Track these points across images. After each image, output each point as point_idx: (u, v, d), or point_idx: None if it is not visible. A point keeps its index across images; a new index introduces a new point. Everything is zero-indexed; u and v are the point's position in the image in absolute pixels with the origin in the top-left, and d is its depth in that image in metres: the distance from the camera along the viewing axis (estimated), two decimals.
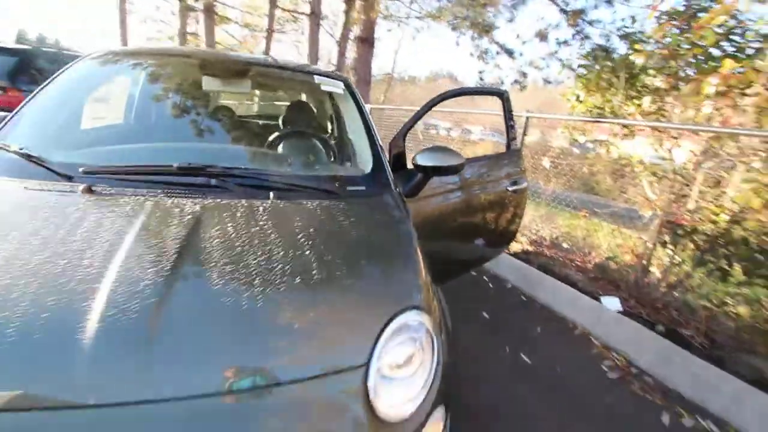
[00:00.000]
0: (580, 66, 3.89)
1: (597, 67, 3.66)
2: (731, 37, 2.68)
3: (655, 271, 3.29)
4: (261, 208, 1.18)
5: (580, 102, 4.04)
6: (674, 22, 2.78)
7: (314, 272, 0.98)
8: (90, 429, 0.68)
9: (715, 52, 2.80)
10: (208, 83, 1.79)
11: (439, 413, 0.97)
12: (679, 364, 2.25)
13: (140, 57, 1.84)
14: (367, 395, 0.84)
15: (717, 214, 2.62)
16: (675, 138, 2.97)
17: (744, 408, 1.94)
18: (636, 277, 3.24)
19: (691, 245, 2.96)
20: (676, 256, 3.08)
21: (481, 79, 8.35)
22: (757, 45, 2.63)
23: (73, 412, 0.68)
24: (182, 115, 1.72)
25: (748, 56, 2.58)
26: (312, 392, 0.81)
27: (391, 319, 0.94)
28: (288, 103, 2.46)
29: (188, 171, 1.25)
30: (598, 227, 5.01)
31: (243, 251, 0.99)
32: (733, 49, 2.69)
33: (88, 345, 0.72)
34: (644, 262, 3.22)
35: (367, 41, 7.43)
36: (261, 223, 1.11)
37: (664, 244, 3.14)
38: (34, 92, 1.53)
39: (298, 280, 0.95)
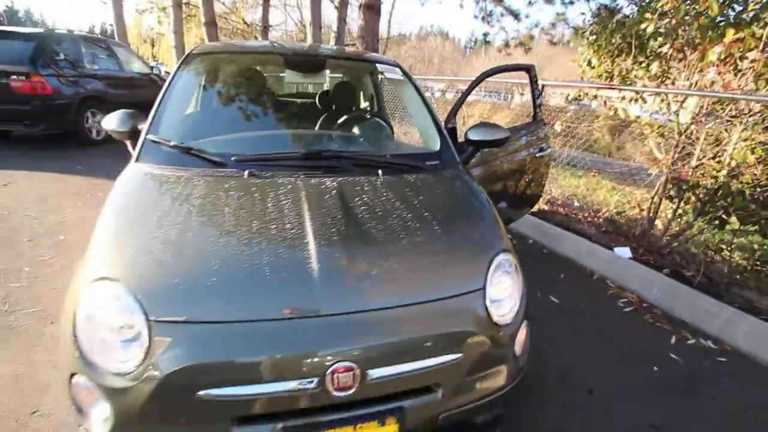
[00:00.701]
0: (591, 33, 4.07)
1: (607, 31, 3.87)
2: (733, 5, 2.93)
3: (659, 223, 3.69)
4: (377, 182, 1.53)
5: (592, 67, 4.28)
6: None
7: (435, 226, 1.35)
8: (324, 329, 1.06)
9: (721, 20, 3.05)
10: (292, 77, 2.09)
11: (525, 324, 1.36)
12: (682, 298, 2.68)
13: (234, 54, 2.12)
14: (486, 308, 1.22)
15: (718, 170, 2.98)
16: (681, 102, 3.27)
17: (736, 329, 2.39)
18: (643, 228, 3.65)
19: (693, 198, 3.34)
20: (680, 210, 3.47)
21: (487, 42, 8.44)
22: (754, 12, 2.89)
23: (314, 320, 1.06)
24: (285, 107, 2.03)
25: (748, 23, 2.85)
26: (455, 305, 1.19)
27: (492, 260, 1.31)
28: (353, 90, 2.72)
29: (314, 156, 1.59)
30: (606, 187, 5.41)
31: (380, 213, 1.35)
32: (734, 16, 2.95)
33: (315, 277, 1.10)
34: (651, 215, 3.61)
35: (372, 8, 7.42)
36: (382, 192, 1.47)
37: (669, 198, 3.53)
38: (163, 89, 1.83)
39: (424, 231, 1.32)
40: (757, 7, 2.82)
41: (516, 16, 7.69)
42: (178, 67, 1.93)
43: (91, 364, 1.02)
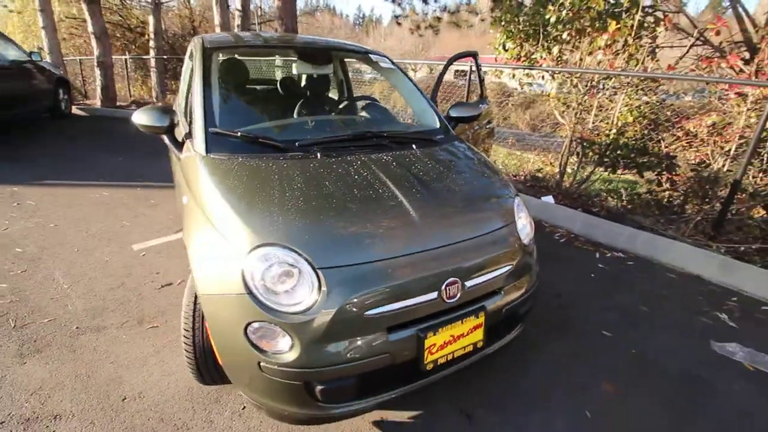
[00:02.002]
0: (503, 20, 4.82)
1: (517, 20, 4.65)
2: (612, 1, 3.88)
3: (569, 175, 4.69)
4: (417, 153, 1.93)
5: (506, 50, 5.07)
6: None
7: (472, 182, 1.82)
8: (436, 258, 1.46)
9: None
10: (303, 68, 2.32)
11: (535, 247, 1.93)
12: (596, 227, 3.60)
13: (252, 47, 2.27)
14: (518, 234, 1.75)
15: (609, 130, 3.96)
16: (578, 78, 4.19)
17: (635, 242, 3.35)
18: (556, 180, 4.61)
19: (591, 153, 4.35)
20: (582, 163, 4.47)
21: (398, 23, 8.94)
22: (626, 7, 3.85)
23: (426, 252, 1.45)
24: (304, 95, 2.25)
25: (623, 16, 3.80)
26: (502, 233, 1.67)
27: (514, 202, 1.83)
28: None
29: (359, 137, 1.92)
30: (521, 153, 6.41)
31: (433, 175, 1.77)
32: (612, 11, 3.89)
33: (418, 224, 1.49)
34: (561, 169, 4.57)
35: None
36: (424, 160, 1.88)
37: (574, 155, 4.51)
38: (195, 83, 1.94)
39: (467, 186, 1.79)
40: (628, 4, 3.76)
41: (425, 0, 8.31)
42: (204, 61, 2.04)
43: (273, 311, 1.29)
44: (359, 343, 1.34)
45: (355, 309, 1.31)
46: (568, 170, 4.60)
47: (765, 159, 3.35)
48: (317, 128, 2.08)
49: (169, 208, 3.81)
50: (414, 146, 1.99)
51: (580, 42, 4.17)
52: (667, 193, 3.85)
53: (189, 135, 1.94)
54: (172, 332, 2.16)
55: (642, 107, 3.82)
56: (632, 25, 3.72)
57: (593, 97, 4.21)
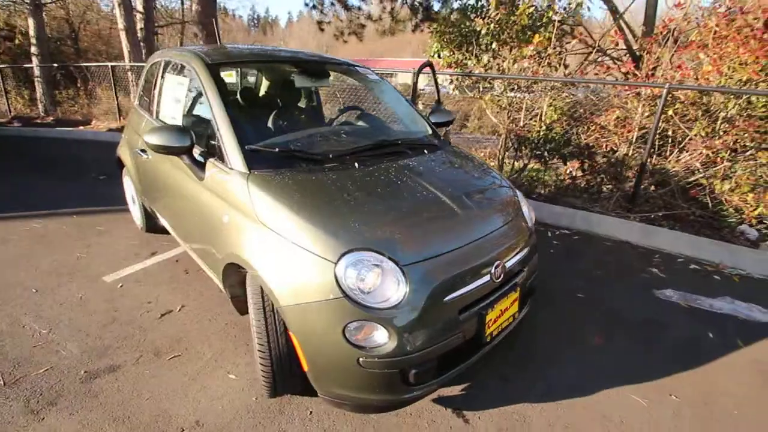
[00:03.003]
0: (438, 31, 5.27)
1: (450, 30, 5.13)
2: (535, 18, 4.52)
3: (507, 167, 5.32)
4: (431, 157, 2.16)
5: (440, 57, 5.53)
6: (503, 7, 4.43)
7: (484, 179, 2.11)
8: (484, 246, 1.70)
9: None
10: (301, 81, 2.38)
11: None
12: (542, 210, 4.20)
13: (257, 62, 2.27)
14: (526, 219, 2.08)
15: (540, 128, 4.61)
16: (507, 83, 4.79)
17: (574, 219, 4.00)
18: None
19: (525, 149, 5.00)
20: (518, 156, 5.11)
21: (321, 29, 9.01)
22: (543, 23, 4.53)
23: (477, 242, 1.69)
24: (308, 108, 2.32)
25: (542, 30, 4.47)
26: (518, 220, 1.97)
27: (516, 193, 2.17)
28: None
29: (380, 146, 2.08)
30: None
31: (454, 174, 2.02)
32: (534, 25, 4.55)
33: (463, 218, 1.72)
34: (499, 163, 5.17)
35: None
36: (440, 163, 2.12)
37: (507, 149, 5.13)
38: (210, 100, 1.93)
39: (481, 182, 2.07)
40: (545, 20, 4.43)
41: (347, 6, 8.49)
42: (214, 79, 2.00)
43: (369, 308, 1.41)
44: (440, 326, 1.53)
45: (435, 297, 1.50)
46: (507, 162, 5.22)
47: (656, 146, 4.24)
48: (340, 139, 2.19)
49: (123, 234, 3.48)
50: (425, 151, 2.22)
51: (508, 51, 4.77)
52: (588, 177, 4.62)
53: (212, 153, 1.92)
54: (198, 358, 2.09)
55: (563, 107, 4.54)
56: (549, 38, 4.40)
57: (523, 100, 4.85)
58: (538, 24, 4.53)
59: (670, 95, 3.88)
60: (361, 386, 1.52)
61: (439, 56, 5.48)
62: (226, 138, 1.84)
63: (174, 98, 2.34)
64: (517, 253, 1.86)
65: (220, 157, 1.86)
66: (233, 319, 2.39)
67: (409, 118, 2.70)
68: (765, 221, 3.68)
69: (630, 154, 4.33)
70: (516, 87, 4.83)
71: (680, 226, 3.74)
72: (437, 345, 1.52)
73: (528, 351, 2.21)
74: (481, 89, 5.28)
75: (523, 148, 4.98)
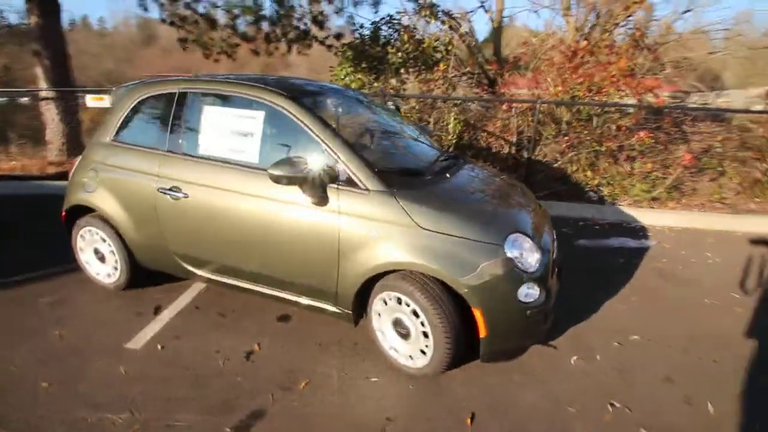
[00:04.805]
0: (348, 55, 5.81)
1: (362, 57, 5.77)
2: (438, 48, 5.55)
3: None
4: (468, 166, 2.75)
5: (343, 79, 6.09)
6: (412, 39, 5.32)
7: (509, 180, 2.84)
8: (546, 232, 2.43)
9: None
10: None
11: None
12: None
13: (310, 90, 2.44)
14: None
15: (450, 138, 5.67)
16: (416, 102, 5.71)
17: None
18: None
19: None
20: None
21: (185, 48, 8.32)
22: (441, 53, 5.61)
23: (543, 228, 2.39)
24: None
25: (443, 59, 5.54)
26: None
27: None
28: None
29: (444, 160, 2.58)
30: None
31: (493, 178, 2.68)
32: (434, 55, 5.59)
33: (532, 214, 2.40)
34: None
35: (49, 2, 5.63)
36: (476, 169, 2.74)
37: None
38: (325, 134, 2.11)
39: (509, 182, 2.80)
40: (445, 53, 5.51)
41: (213, 23, 8.01)
42: (310, 110, 2.15)
43: (531, 273, 1.94)
44: (552, 281, 2.18)
45: (547, 262, 2.13)
46: None
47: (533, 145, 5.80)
48: (421, 155, 2.59)
49: (89, 298, 2.89)
50: (461, 160, 2.80)
51: (413, 76, 5.71)
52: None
53: (331, 180, 2.07)
54: (327, 377, 2.18)
55: (465, 119, 5.72)
56: (447, 67, 5.52)
57: (425, 114, 5.85)
58: (439, 55, 5.59)
59: (538, 107, 5.45)
60: (524, 334, 2.04)
61: (344, 78, 6.04)
62: (355, 164, 2.05)
63: (236, 132, 2.29)
64: (553, 236, 2.62)
65: (349, 182, 2.05)
66: (320, 338, 2.47)
67: (424, 137, 3.23)
68: (601, 188, 5.55)
69: (512, 152, 5.80)
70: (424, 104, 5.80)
71: (564, 199, 5.30)
72: (552, 295, 2.15)
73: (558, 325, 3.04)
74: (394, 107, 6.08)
75: None
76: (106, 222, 2.72)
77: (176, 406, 1.97)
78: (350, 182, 2.06)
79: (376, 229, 2.01)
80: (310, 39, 7.65)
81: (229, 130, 2.33)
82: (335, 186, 2.07)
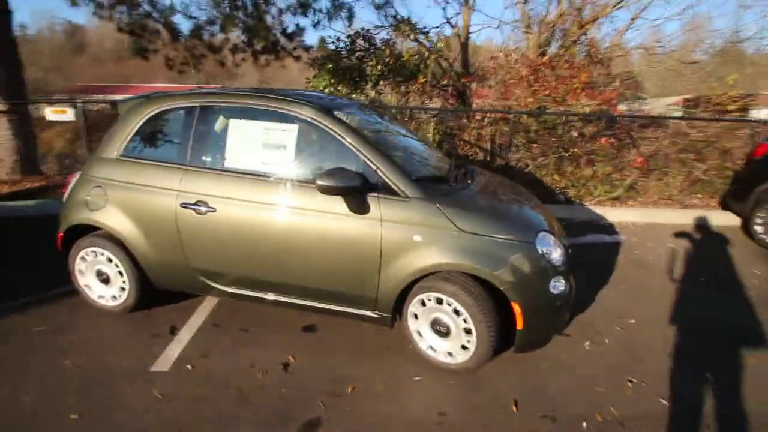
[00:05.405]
0: (322, 63, 5.90)
1: (340, 69, 5.87)
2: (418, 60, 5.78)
3: None
4: (479, 170, 2.95)
5: (324, 89, 6.16)
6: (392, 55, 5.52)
7: (518, 188, 3.08)
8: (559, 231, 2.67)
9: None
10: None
11: None
12: None
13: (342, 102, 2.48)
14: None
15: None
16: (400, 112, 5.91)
17: None
18: None
19: None
20: None
21: (145, 58, 7.97)
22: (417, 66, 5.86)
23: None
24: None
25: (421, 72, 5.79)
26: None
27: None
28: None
29: (459, 165, 2.75)
30: None
31: (506, 185, 2.90)
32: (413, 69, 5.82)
33: (542, 215, 2.64)
34: None
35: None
36: (491, 176, 2.95)
37: None
38: (361, 144, 2.20)
39: (518, 191, 3.04)
40: (424, 67, 5.76)
41: (175, 34, 7.73)
42: (342, 122, 2.22)
43: (558, 266, 2.14)
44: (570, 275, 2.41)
45: (568, 256, 2.36)
46: None
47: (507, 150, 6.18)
48: (443, 164, 2.74)
49: (92, 323, 2.72)
50: (471, 166, 3.00)
51: (390, 89, 5.91)
52: None
53: (372, 189, 2.16)
54: (372, 380, 2.24)
55: (443, 130, 5.99)
56: (426, 80, 5.78)
57: (410, 125, 6.07)
58: (420, 67, 5.83)
59: (512, 118, 5.84)
60: (554, 324, 2.24)
61: (324, 88, 6.11)
62: (394, 173, 2.15)
63: (267, 145, 2.30)
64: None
65: (387, 190, 2.15)
66: (351, 344, 2.52)
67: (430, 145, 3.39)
68: (567, 189, 6.03)
69: (486, 159, 6.15)
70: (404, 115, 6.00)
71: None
72: (573, 287, 2.38)
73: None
74: None
75: None
76: (114, 241, 2.59)
77: (230, 423, 1.93)
78: (389, 190, 2.16)
79: (418, 234, 2.12)
80: (279, 50, 7.64)
81: (258, 143, 2.34)
82: (375, 195, 2.16)
